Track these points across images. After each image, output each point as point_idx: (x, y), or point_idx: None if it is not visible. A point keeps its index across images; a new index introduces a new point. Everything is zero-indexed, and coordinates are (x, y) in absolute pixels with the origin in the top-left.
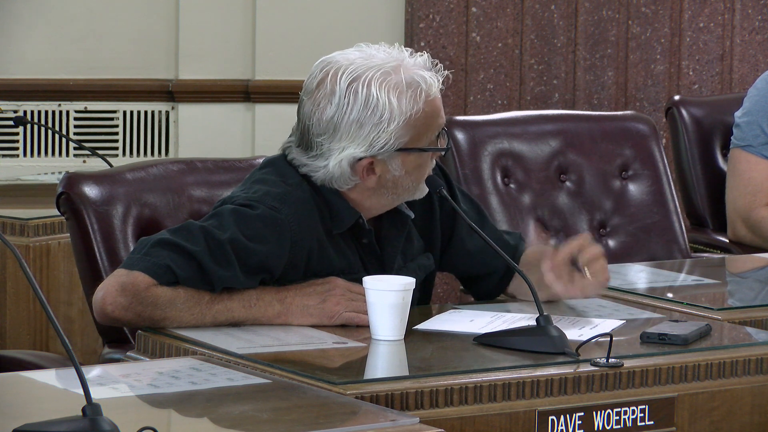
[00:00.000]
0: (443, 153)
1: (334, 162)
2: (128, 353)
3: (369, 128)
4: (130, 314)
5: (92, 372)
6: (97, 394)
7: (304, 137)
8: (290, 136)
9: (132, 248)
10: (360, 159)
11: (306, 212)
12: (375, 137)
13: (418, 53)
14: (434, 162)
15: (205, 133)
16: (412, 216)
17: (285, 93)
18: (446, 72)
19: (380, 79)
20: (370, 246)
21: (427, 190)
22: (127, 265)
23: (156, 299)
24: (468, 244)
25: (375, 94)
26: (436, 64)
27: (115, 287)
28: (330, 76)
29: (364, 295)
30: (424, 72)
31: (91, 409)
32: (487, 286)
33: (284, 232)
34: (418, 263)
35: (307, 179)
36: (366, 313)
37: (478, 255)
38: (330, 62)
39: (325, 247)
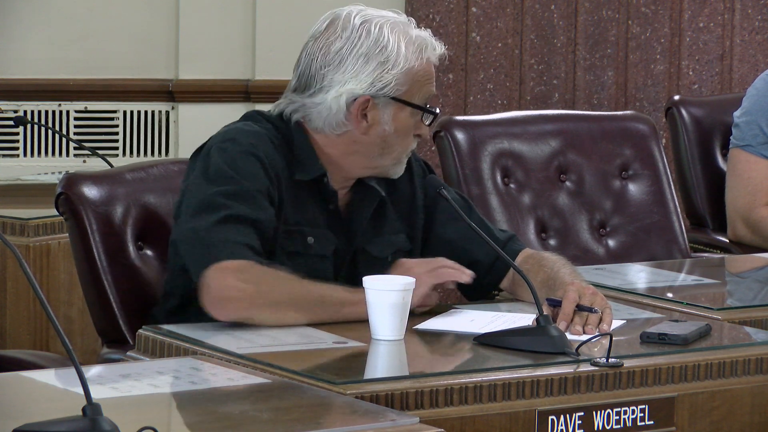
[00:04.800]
0: (433, 116)
1: (333, 95)
2: (128, 353)
3: (374, 65)
4: (262, 304)
5: (92, 372)
6: (97, 393)
7: (304, 76)
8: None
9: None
10: (357, 98)
11: (275, 153)
12: (378, 76)
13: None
14: (416, 141)
15: (205, 133)
16: (383, 194)
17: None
18: (445, 48)
19: (392, 26)
20: (335, 213)
21: (402, 169)
22: (203, 263)
23: (267, 275)
24: (449, 232)
25: (386, 35)
26: (438, 40)
27: (229, 283)
28: (342, 17)
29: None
30: (427, 36)
31: (92, 409)
32: (473, 283)
33: (264, 165)
34: (389, 240)
35: (283, 124)
36: (445, 267)
37: (459, 243)
38: (340, 9)
39: (292, 195)
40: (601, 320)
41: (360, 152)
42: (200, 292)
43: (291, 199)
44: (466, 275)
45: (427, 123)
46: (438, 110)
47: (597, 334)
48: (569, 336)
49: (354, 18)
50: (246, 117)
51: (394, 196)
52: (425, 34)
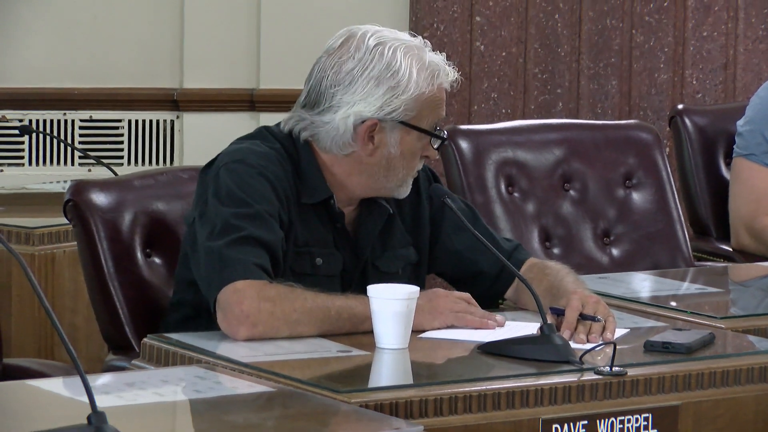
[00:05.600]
0: (441, 141)
1: (341, 116)
2: (133, 361)
3: (385, 89)
4: (278, 321)
5: (97, 380)
6: (102, 402)
7: (314, 91)
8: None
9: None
10: (365, 121)
11: (287, 173)
12: (387, 100)
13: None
14: (422, 162)
15: (209, 142)
16: (391, 211)
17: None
18: (459, 74)
19: (405, 50)
20: (343, 231)
21: (408, 190)
22: (219, 283)
23: (283, 292)
24: (456, 243)
25: (399, 59)
26: (451, 66)
27: (247, 301)
28: (357, 37)
29: (467, 301)
30: (440, 62)
31: (97, 418)
32: (478, 289)
33: (274, 185)
34: (398, 253)
35: (290, 143)
36: (474, 315)
37: (465, 253)
38: (357, 28)
39: (299, 216)
40: (604, 329)
41: (365, 173)
42: (217, 312)
43: (299, 220)
44: (488, 326)
45: (435, 147)
46: (446, 134)
47: (600, 342)
48: (573, 345)
49: (368, 39)
50: (255, 135)
51: (400, 208)
52: (439, 59)
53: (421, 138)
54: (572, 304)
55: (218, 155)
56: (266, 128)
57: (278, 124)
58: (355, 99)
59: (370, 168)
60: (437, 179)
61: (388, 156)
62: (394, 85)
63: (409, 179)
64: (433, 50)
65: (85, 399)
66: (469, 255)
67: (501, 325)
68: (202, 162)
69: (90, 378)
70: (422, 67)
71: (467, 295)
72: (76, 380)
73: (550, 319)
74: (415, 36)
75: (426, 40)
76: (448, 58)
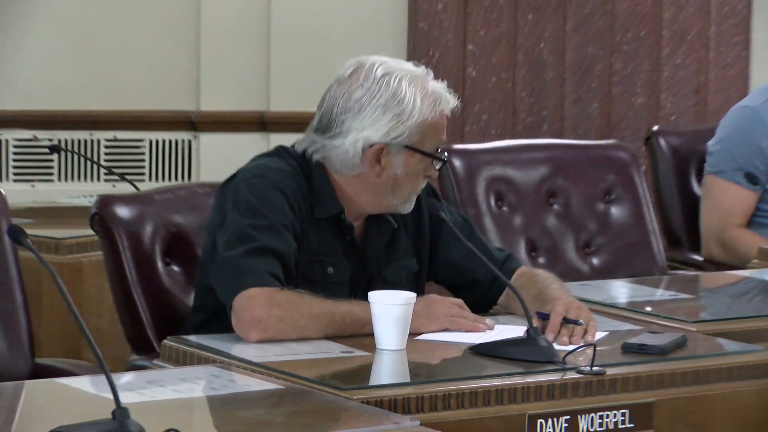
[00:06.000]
0: (442, 162)
1: (351, 140)
2: (154, 361)
3: (391, 116)
4: (288, 325)
5: (121, 379)
6: (125, 398)
7: (325, 117)
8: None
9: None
10: (372, 145)
11: (301, 189)
12: (393, 126)
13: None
14: (425, 181)
15: (224, 160)
16: (395, 226)
17: (298, 123)
18: (459, 101)
19: (410, 79)
20: (352, 243)
21: (412, 206)
22: (234, 289)
23: (293, 298)
24: (453, 253)
25: (404, 89)
26: (451, 92)
27: (260, 307)
28: (366, 67)
29: (460, 306)
30: (443, 90)
31: (120, 413)
32: (474, 296)
33: (289, 199)
34: (402, 263)
35: (305, 162)
36: (467, 319)
37: (461, 263)
38: (365, 58)
39: (313, 229)
40: (585, 332)
41: (372, 192)
42: (232, 317)
43: (312, 232)
44: (479, 330)
45: (436, 168)
46: (446, 156)
47: (582, 344)
48: (557, 346)
49: (376, 69)
50: (274, 153)
51: (403, 221)
52: (440, 87)
53: (423, 160)
54: (557, 309)
55: (239, 170)
56: (283, 147)
57: (293, 145)
58: (363, 125)
59: (378, 188)
60: (437, 195)
61: (394, 177)
62: (399, 112)
63: (413, 196)
64: (434, 78)
65: (110, 395)
66: (465, 265)
67: (490, 328)
68: (218, 178)
69: (114, 376)
70: (425, 95)
71: (460, 301)
72: (102, 378)
73: (536, 323)
74: (418, 65)
75: (429, 69)
76: (443, 83)
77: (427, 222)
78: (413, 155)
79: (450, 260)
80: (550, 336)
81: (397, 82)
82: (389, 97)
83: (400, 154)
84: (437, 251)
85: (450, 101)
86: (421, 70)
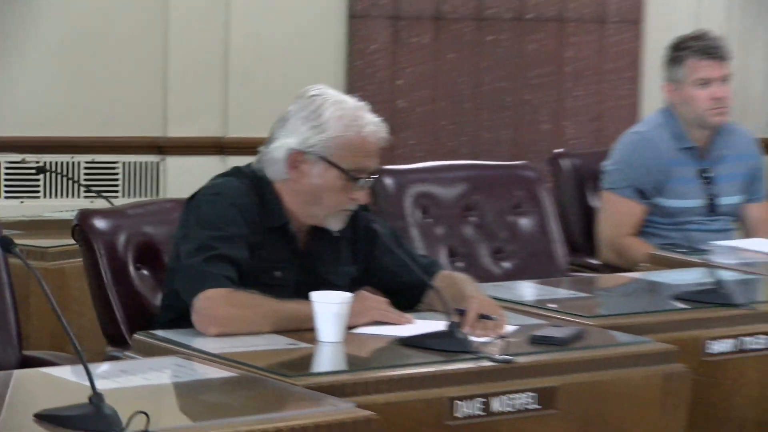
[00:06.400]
0: (355, 181)
1: (277, 146)
2: (126, 352)
3: (308, 127)
4: (242, 321)
5: (97, 368)
6: (101, 385)
7: (270, 134)
8: None
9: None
10: (291, 151)
11: (252, 203)
12: (309, 136)
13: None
14: (354, 203)
15: (187, 180)
16: (338, 236)
17: (251, 147)
18: (389, 130)
19: (336, 101)
20: (297, 250)
21: (342, 224)
22: (195, 291)
23: (246, 298)
24: (386, 261)
25: (327, 107)
26: (381, 124)
27: (217, 306)
28: (307, 90)
29: (386, 303)
30: (369, 118)
31: (96, 398)
32: (404, 297)
33: (242, 213)
34: (344, 270)
35: (256, 180)
36: (392, 313)
37: (393, 269)
38: (314, 86)
39: (263, 238)
40: (498, 326)
41: (300, 200)
42: (193, 314)
43: (263, 240)
44: (401, 322)
45: (360, 189)
46: (363, 181)
47: (495, 337)
48: (473, 339)
49: (312, 91)
50: (230, 173)
51: (345, 233)
52: (369, 116)
53: (341, 176)
54: (472, 306)
55: (200, 188)
56: (238, 168)
57: (248, 165)
58: (286, 133)
59: (302, 195)
60: (368, 209)
61: (312, 185)
62: (316, 125)
63: (339, 214)
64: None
65: (87, 383)
66: (396, 270)
67: (411, 322)
68: (182, 195)
69: (91, 366)
70: (344, 115)
71: (386, 300)
72: (80, 368)
73: (455, 318)
74: (358, 100)
75: (367, 103)
76: (377, 112)
77: (363, 234)
78: (330, 169)
79: (383, 267)
80: (466, 329)
81: (322, 101)
82: (311, 112)
83: (318, 164)
84: (373, 260)
85: (368, 127)
86: (355, 101)
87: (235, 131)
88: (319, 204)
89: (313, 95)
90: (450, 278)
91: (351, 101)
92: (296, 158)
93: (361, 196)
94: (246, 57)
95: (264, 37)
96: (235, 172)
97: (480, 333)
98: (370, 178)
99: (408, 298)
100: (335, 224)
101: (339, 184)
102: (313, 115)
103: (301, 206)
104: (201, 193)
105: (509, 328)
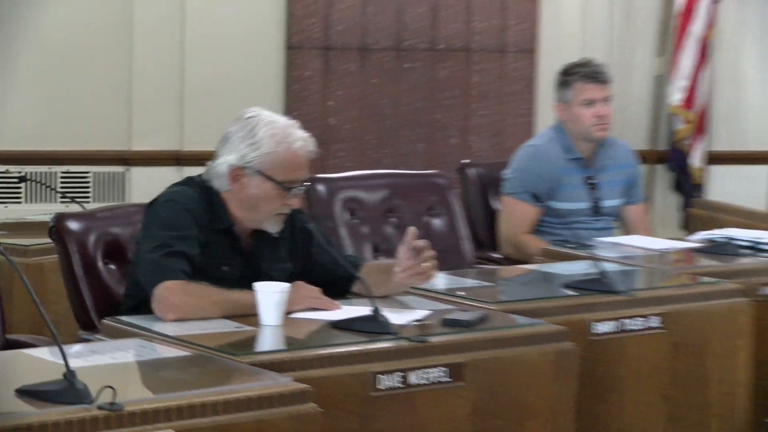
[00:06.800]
0: (288, 191)
1: (220, 162)
2: (95, 335)
3: (245, 145)
4: (195, 308)
5: (70, 349)
6: (73, 364)
7: (216, 151)
8: None
9: (103, 270)
10: (233, 166)
11: (202, 209)
12: (245, 154)
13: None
14: (287, 208)
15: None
16: (277, 236)
17: (205, 159)
18: (315, 148)
19: (269, 121)
20: (241, 249)
21: (279, 227)
22: (154, 282)
23: (198, 289)
24: (319, 258)
25: (261, 127)
26: (309, 139)
27: (174, 295)
28: (245, 113)
29: (319, 292)
30: (298, 135)
31: (70, 374)
32: (336, 288)
33: (194, 217)
34: (282, 267)
35: (206, 188)
36: (324, 301)
37: (326, 265)
38: (255, 108)
39: (212, 239)
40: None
41: (241, 207)
42: (152, 302)
43: (212, 241)
44: (331, 308)
45: (290, 198)
46: (295, 190)
47: (412, 319)
48: (393, 321)
49: (249, 113)
50: (184, 182)
51: (283, 234)
52: (298, 133)
53: (276, 187)
54: (407, 239)
55: (159, 195)
56: (191, 178)
57: (200, 175)
58: (228, 151)
59: (243, 203)
60: (302, 212)
61: (250, 195)
62: (252, 143)
63: (276, 218)
64: (300, 125)
65: (62, 362)
66: (328, 266)
67: (340, 308)
68: (145, 201)
69: (65, 347)
70: (275, 134)
71: (319, 289)
72: (56, 349)
73: (377, 304)
74: (290, 119)
75: (297, 121)
76: (310, 130)
77: (299, 234)
78: (265, 181)
79: (318, 263)
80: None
81: (256, 122)
82: (247, 132)
83: (255, 177)
84: (309, 257)
85: (298, 144)
86: (286, 120)
87: (190, 145)
88: (257, 211)
89: (249, 117)
90: (372, 266)
91: (282, 120)
92: (236, 173)
93: (294, 202)
94: (200, 81)
95: (215, 64)
96: (188, 181)
97: (412, 279)
98: (301, 186)
99: (340, 288)
100: (273, 227)
101: (274, 194)
102: (249, 135)
103: (243, 212)
104: (159, 200)
105: (423, 313)
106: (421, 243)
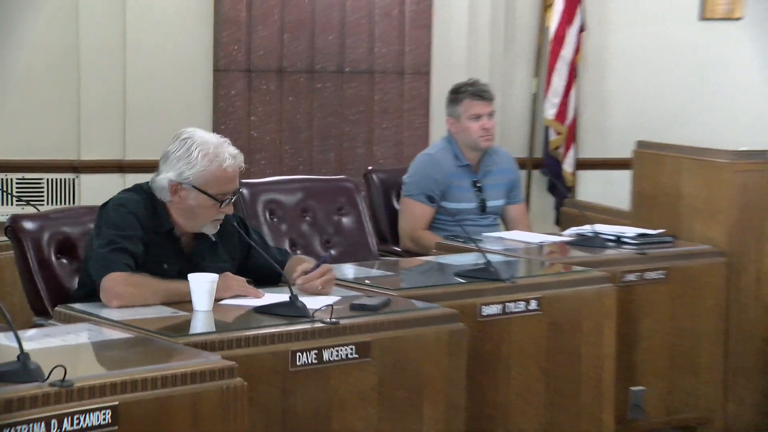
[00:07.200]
0: (221, 204)
1: (162, 178)
2: (49, 321)
3: (182, 164)
4: (137, 296)
5: (25, 333)
6: (27, 346)
7: (158, 166)
8: None
9: (56, 264)
10: (172, 181)
11: (147, 213)
12: (182, 171)
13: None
14: (222, 215)
15: (96, 194)
16: (213, 239)
17: (145, 167)
18: (243, 162)
19: (202, 142)
20: (181, 249)
21: (215, 230)
22: (102, 273)
23: (139, 280)
24: (253, 257)
25: (195, 147)
26: (238, 155)
27: (118, 285)
28: (182, 133)
29: (245, 281)
30: (230, 153)
31: (23, 356)
32: (267, 279)
33: (139, 220)
34: (219, 265)
35: (151, 195)
36: (249, 289)
37: (259, 261)
38: (190, 129)
39: (155, 239)
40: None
41: (181, 215)
42: (100, 292)
43: (155, 242)
44: (255, 296)
45: (224, 206)
46: (226, 202)
47: (325, 304)
48: (309, 306)
49: (185, 133)
50: (132, 189)
51: (221, 236)
52: (229, 149)
53: (210, 200)
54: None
55: (110, 199)
56: (139, 185)
57: (147, 182)
58: (168, 168)
59: (183, 212)
60: (243, 218)
61: (190, 206)
62: (186, 162)
63: (212, 224)
64: (228, 137)
65: (16, 345)
66: (261, 262)
67: (262, 296)
68: (93, 204)
69: (19, 332)
70: (207, 153)
71: (245, 279)
72: (11, 333)
73: (301, 279)
74: (220, 137)
75: (226, 137)
76: (235, 142)
77: (237, 239)
78: (200, 194)
79: (257, 266)
80: (300, 280)
81: (191, 142)
82: (183, 152)
83: (192, 191)
84: (247, 259)
85: (227, 162)
86: (217, 137)
87: (132, 155)
88: (195, 218)
89: (185, 138)
90: (295, 260)
91: (214, 139)
92: (175, 187)
93: (228, 210)
94: (140, 99)
95: (153, 84)
96: (137, 188)
97: (315, 284)
98: (233, 197)
99: (270, 280)
100: (210, 231)
101: (209, 204)
102: (185, 154)
103: (183, 219)
104: (110, 203)
105: (335, 298)
106: (326, 270)
